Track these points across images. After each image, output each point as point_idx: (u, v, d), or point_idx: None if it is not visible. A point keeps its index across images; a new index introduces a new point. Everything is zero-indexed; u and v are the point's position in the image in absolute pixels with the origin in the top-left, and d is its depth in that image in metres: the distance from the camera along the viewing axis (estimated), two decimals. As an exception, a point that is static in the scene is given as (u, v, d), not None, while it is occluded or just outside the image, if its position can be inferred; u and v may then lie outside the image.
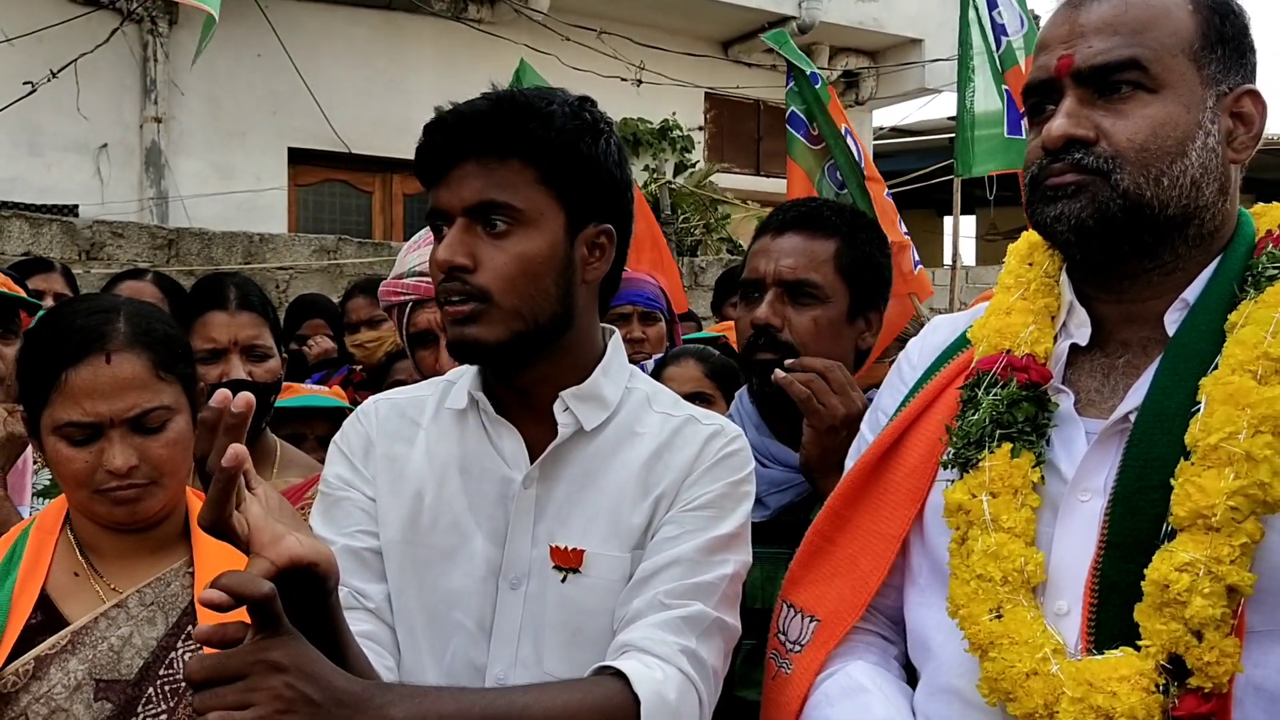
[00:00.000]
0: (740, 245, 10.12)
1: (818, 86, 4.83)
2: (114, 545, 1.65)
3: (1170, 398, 1.19)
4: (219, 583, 0.99)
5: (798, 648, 1.40)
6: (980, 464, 1.26)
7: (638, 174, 10.92)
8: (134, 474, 1.57)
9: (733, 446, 1.44)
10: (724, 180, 11.35)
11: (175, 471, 1.62)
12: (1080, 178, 1.23)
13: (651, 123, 11.09)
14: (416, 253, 2.13)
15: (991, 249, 16.09)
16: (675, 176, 10.89)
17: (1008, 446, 1.25)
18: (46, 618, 1.58)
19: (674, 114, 11.21)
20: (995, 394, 1.28)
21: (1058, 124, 1.24)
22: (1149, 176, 1.22)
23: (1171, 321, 1.25)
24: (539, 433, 1.42)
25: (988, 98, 5.52)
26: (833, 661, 1.38)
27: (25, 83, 7.85)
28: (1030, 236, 1.41)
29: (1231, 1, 1.30)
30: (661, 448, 1.42)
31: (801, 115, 4.81)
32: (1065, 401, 1.28)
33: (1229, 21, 1.28)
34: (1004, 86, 5.46)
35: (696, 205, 10.43)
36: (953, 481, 1.29)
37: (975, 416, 1.29)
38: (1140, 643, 1.12)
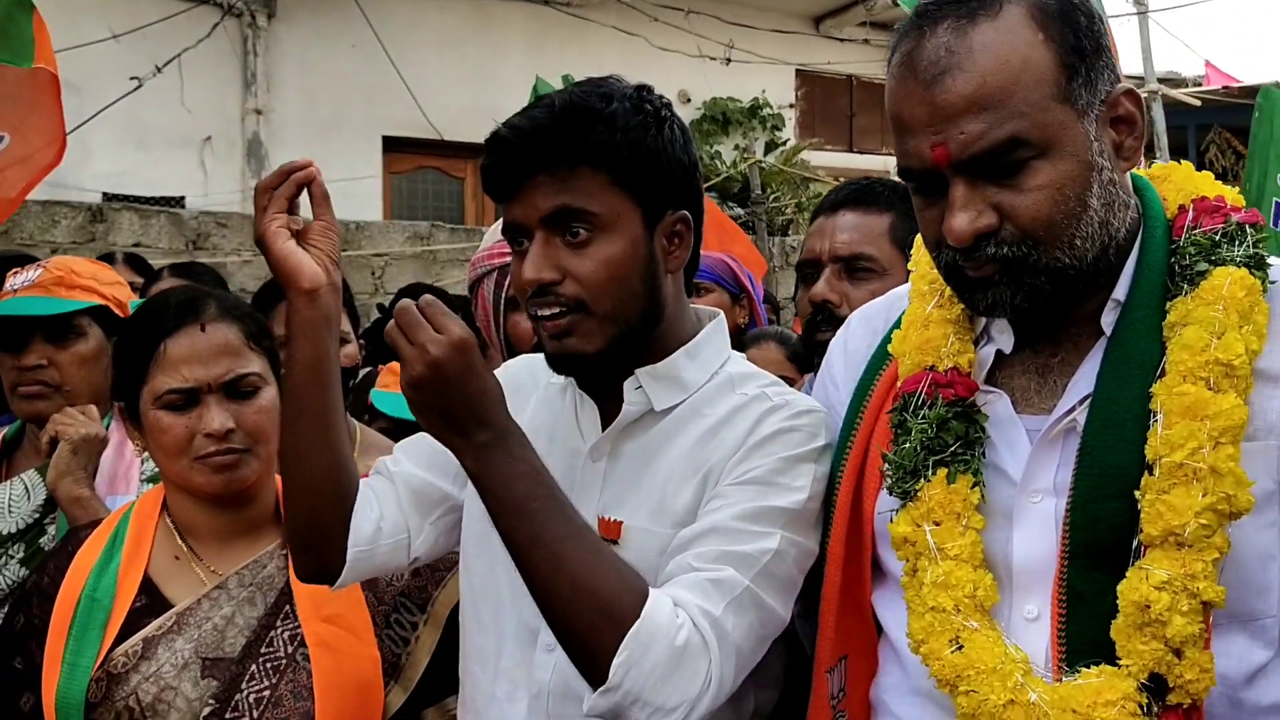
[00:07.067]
0: (833, 223, 9.98)
1: None
2: (211, 527, 1.71)
3: (1117, 403, 1.15)
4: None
5: (843, 694, 1.33)
6: (919, 494, 1.22)
7: (727, 154, 10.84)
8: (231, 438, 1.63)
9: (797, 421, 1.36)
10: (816, 158, 11.21)
11: (268, 440, 1.67)
12: (999, 267, 1.16)
13: (741, 101, 10.99)
14: None
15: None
16: (766, 155, 10.78)
17: (943, 472, 1.21)
18: (150, 600, 1.64)
19: (764, 92, 11.09)
20: (923, 416, 1.24)
21: (959, 222, 1.14)
22: (1063, 245, 1.15)
23: (1107, 322, 1.20)
24: (618, 409, 1.41)
25: None
26: (880, 706, 1.31)
27: (132, 78, 8.10)
28: None
29: (1073, 6, 1.17)
30: (718, 424, 1.37)
31: None
32: (1002, 403, 1.24)
33: (1080, 30, 1.16)
34: None
35: (788, 184, 10.32)
36: (896, 512, 1.25)
37: (907, 445, 1.24)
38: (1121, 662, 1.10)
